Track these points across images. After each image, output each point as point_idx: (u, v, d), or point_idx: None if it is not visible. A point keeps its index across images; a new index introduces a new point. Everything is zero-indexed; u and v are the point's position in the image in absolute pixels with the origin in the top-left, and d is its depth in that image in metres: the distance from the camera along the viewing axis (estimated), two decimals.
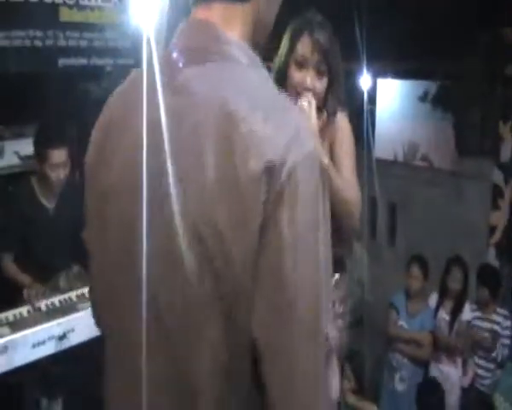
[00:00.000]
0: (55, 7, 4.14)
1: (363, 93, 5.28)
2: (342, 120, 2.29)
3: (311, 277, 0.96)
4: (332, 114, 2.26)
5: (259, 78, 1.06)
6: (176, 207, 0.96)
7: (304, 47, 2.16)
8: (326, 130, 2.26)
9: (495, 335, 4.42)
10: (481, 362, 4.51)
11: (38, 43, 4.05)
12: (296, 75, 2.18)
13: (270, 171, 0.91)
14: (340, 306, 2.33)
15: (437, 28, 5.26)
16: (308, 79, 2.17)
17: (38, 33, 4.05)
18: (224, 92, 0.97)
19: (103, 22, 4.46)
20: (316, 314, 0.97)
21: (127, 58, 4.58)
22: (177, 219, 0.96)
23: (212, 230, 0.93)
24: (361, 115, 5.18)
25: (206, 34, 1.06)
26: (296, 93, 2.17)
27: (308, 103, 2.14)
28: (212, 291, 0.95)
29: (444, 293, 4.68)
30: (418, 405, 4.11)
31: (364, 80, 5.32)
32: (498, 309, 4.54)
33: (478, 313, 4.59)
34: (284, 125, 0.96)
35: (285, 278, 0.93)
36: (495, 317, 4.50)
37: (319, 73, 2.17)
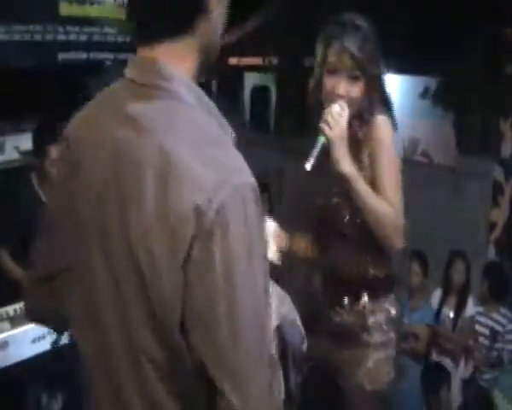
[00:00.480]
0: (55, 1, 4.14)
1: None
2: (382, 127, 2.15)
3: (251, 310, 1.01)
4: (367, 119, 2.15)
5: (202, 116, 1.10)
6: (120, 233, 1.04)
7: (333, 55, 2.11)
8: (364, 137, 2.18)
9: (495, 334, 4.39)
10: (481, 357, 4.50)
11: (38, 37, 4.04)
12: (328, 82, 2.13)
13: (199, 210, 0.97)
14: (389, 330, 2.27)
15: (438, 25, 5.26)
16: (340, 86, 2.11)
17: (38, 28, 4.04)
18: (165, 133, 1.03)
19: (103, 17, 4.46)
20: (261, 342, 1.04)
21: (127, 52, 4.57)
22: (122, 245, 1.03)
23: (149, 258, 1.00)
24: None
25: (151, 71, 1.09)
26: (330, 101, 2.11)
27: (340, 108, 2.08)
28: (148, 312, 1.03)
29: (447, 287, 4.68)
30: (425, 389, 4.12)
31: None
32: (501, 309, 4.48)
33: (480, 309, 4.56)
34: (217, 164, 1.01)
35: (220, 317, 0.99)
36: (497, 316, 4.45)
37: (352, 79, 2.11)
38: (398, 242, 2.10)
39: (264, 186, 6.34)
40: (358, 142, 2.16)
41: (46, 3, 4.07)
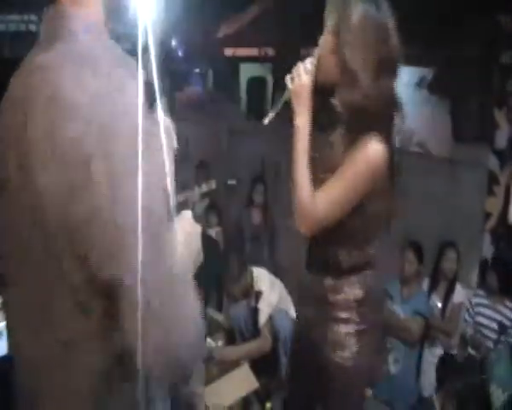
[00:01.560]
0: None
1: None
2: (368, 157, 2.03)
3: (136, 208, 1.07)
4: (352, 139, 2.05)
5: (96, 51, 1.20)
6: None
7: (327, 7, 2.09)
8: (348, 134, 2.09)
9: (502, 328, 4.39)
10: (486, 350, 4.47)
11: (33, 27, 4.04)
12: None
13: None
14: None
15: (434, 14, 5.26)
16: (322, 37, 2.11)
17: (33, 18, 4.03)
18: (54, 69, 1.13)
19: None
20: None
21: (124, 43, 4.56)
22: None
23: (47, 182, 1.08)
24: None
25: (54, 18, 1.22)
26: None
27: (309, 64, 2.11)
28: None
29: (436, 277, 4.71)
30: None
31: None
32: (508, 303, 4.47)
33: (485, 301, 4.56)
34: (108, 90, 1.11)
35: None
36: (503, 310, 4.46)
37: (327, 32, 2.09)
38: (302, 227, 2.12)
39: (260, 178, 6.35)
40: (340, 133, 2.12)
41: None
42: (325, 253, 2.25)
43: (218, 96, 12.75)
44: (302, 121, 2.10)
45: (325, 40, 2.10)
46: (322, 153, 2.14)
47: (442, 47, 5.39)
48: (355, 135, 2.05)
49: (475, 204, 5.41)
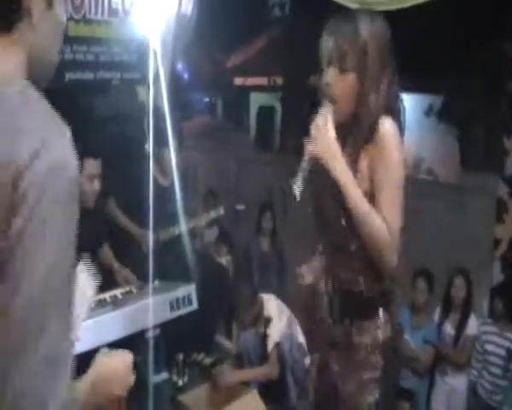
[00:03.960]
0: None
1: None
2: (386, 133, 2.01)
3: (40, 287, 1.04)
4: (367, 124, 2.03)
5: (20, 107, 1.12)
6: None
7: (323, 47, 2.06)
8: (362, 144, 2.06)
9: (510, 354, 4.33)
10: (493, 379, 4.43)
11: None
12: (322, 78, 2.08)
13: (13, 182, 1.04)
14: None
15: (441, 43, 5.29)
16: (328, 75, 2.05)
17: None
18: None
19: (110, 36, 4.50)
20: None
21: (134, 72, 4.62)
22: None
23: None
24: None
25: None
26: (323, 97, 2.06)
27: (323, 117, 2.02)
28: None
29: (447, 305, 4.67)
30: None
31: None
32: None
33: (493, 328, 4.50)
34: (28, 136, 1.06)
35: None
36: (511, 336, 4.41)
37: (342, 72, 2.02)
38: (391, 259, 2.02)
39: (268, 206, 6.37)
40: (356, 149, 2.07)
41: None
42: (349, 284, 2.17)
43: (226, 125, 12.82)
44: (345, 175, 1.99)
45: (338, 77, 2.03)
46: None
47: (450, 75, 5.41)
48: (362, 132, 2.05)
49: (484, 231, 5.39)
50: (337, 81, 2.04)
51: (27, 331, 1.04)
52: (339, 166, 2.00)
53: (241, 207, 6.13)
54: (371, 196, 2.02)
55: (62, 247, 1.08)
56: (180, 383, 3.97)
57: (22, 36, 1.17)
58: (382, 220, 1.97)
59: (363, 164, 2.05)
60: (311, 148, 2.03)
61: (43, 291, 1.05)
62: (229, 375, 4.05)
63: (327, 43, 2.04)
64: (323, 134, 2.01)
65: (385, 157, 2.00)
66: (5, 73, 1.15)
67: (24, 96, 1.14)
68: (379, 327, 2.17)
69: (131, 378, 1.48)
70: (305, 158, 2.05)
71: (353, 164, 2.05)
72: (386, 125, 2.01)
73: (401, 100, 2.14)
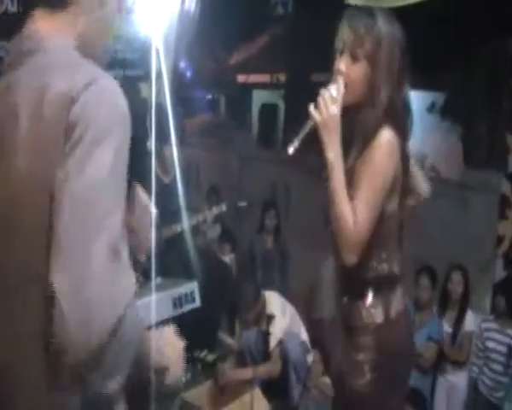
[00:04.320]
0: None
1: None
2: (384, 140, 2.03)
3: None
4: (372, 126, 2.03)
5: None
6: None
7: (340, 33, 2.08)
8: (361, 149, 2.06)
9: (511, 351, 4.34)
10: (494, 375, 4.44)
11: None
12: (335, 64, 2.09)
13: (67, 104, 1.15)
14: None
15: (444, 41, 5.29)
16: (341, 62, 2.06)
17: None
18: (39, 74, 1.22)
19: (113, 34, 4.50)
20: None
21: (136, 69, 4.62)
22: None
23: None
24: None
25: (27, 38, 1.30)
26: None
27: (335, 90, 2.03)
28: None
29: (444, 301, 4.66)
30: None
31: None
32: None
33: (494, 325, 4.50)
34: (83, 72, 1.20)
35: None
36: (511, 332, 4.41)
37: (354, 59, 2.05)
38: (347, 256, 2.03)
39: (271, 203, 6.38)
40: (350, 140, 2.08)
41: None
42: (349, 269, 2.13)
43: (229, 123, 12.82)
44: (335, 152, 2.01)
45: (350, 65, 2.06)
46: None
47: (453, 72, 5.41)
48: (369, 136, 2.04)
49: (487, 228, 5.39)
50: (348, 69, 2.06)
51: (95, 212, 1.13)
52: (331, 142, 2.02)
53: (242, 203, 6.12)
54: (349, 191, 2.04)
55: (117, 164, 1.19)
56: (183, 379, 3.97)
57: (75, 18, 1.31)
58: (352, 213, 1.99)
59: (351, 156, 2.07)
60: (313, 114, 2.04)
61: (108, 176, 1.15)
62: (232, 373, 4.05)
63: (342, 29, 2.07)
64: (328, 105, 2.02)
65: (372, 160, 2.02)
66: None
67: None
68: (367, 308, 2.17)
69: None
70: (308, 121, 2.06)
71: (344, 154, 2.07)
72: (386, 134, 2.03)
73: (408, 104, 2.18)
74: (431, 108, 6.13)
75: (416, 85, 6.14)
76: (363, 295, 2.18)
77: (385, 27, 2.05)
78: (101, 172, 1.14)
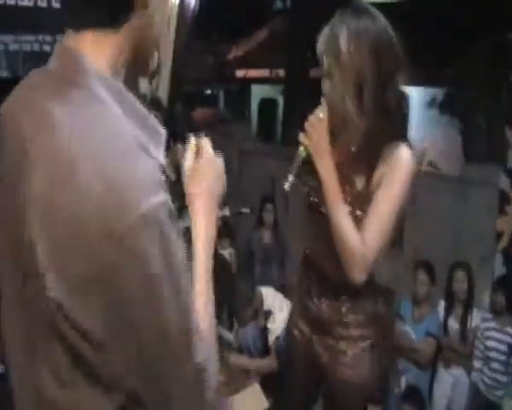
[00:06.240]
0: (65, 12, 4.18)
1: None
2: (404, 159, 1.97)
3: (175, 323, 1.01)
4: (375, 145, 1.99)
5: (116, 116, 1.01)
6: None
7: (322, 34, 2.01)
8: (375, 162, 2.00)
9: (511, 349, 4.33)
10: (494, 374, 4.42)
11: (47, 48, 4.08)
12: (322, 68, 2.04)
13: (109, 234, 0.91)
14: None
15: (443, 36, 5.28)
16: (322, 84, 2.03)
17: (48, 38, 4.08)
18: (68, 133, 0.96)
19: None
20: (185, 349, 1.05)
21: None
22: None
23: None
24: None
25: (68, 62, 1.03)
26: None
27: (321, 112, 1.99)
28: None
29: (450, 298, 4.66)
30: None
31: None
32: None
33: (493, 324, 4.48)
34: (120, 186, 0.93)
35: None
36: (511, 330, 4.40)
37: (328, 77, 1.99)
38: (356, 277, 1.99)
39: (270, 198, 6.37)
40: (357, 157, 2.05)
41: (56, 14, 4.10)
42: (340, 272, 2.10)
43: (228, 117, 12.81)
44: (328, 172, 1.98)
45: (333, 85, 1.99)
46: (351, 192, 2.05)
47: (452, 67, 5.40)
48: (377, 152, 1.99)
49: (486, 224, 5.38)
50: (324, 86, 2.03)
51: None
52: (323, 165, 1.99)
53: (246, 210, 6.11)
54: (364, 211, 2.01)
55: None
56: None
57: (131, 27, 1.05)
58: (360, 241, 1.94)
59: (361, 180, 2.04)
60: (302, 139, 2.02)
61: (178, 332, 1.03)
62: (234, 358, 4.09)
63: (325, 32, 2.00)
64: (316, 129, 1.99)
65: (391, 184, 1.96)
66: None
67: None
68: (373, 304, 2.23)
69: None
70: (300, 149, 2.03)
71: (351, 175, 2.06)
72: (404, 153, 1.98)
73: (402, 101, 2.08)
74: (431, 103, 6.13)
75: (416, 81, 6.14)
76: (357, 293, 2.19)
77: (345, 38, 1.93)
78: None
